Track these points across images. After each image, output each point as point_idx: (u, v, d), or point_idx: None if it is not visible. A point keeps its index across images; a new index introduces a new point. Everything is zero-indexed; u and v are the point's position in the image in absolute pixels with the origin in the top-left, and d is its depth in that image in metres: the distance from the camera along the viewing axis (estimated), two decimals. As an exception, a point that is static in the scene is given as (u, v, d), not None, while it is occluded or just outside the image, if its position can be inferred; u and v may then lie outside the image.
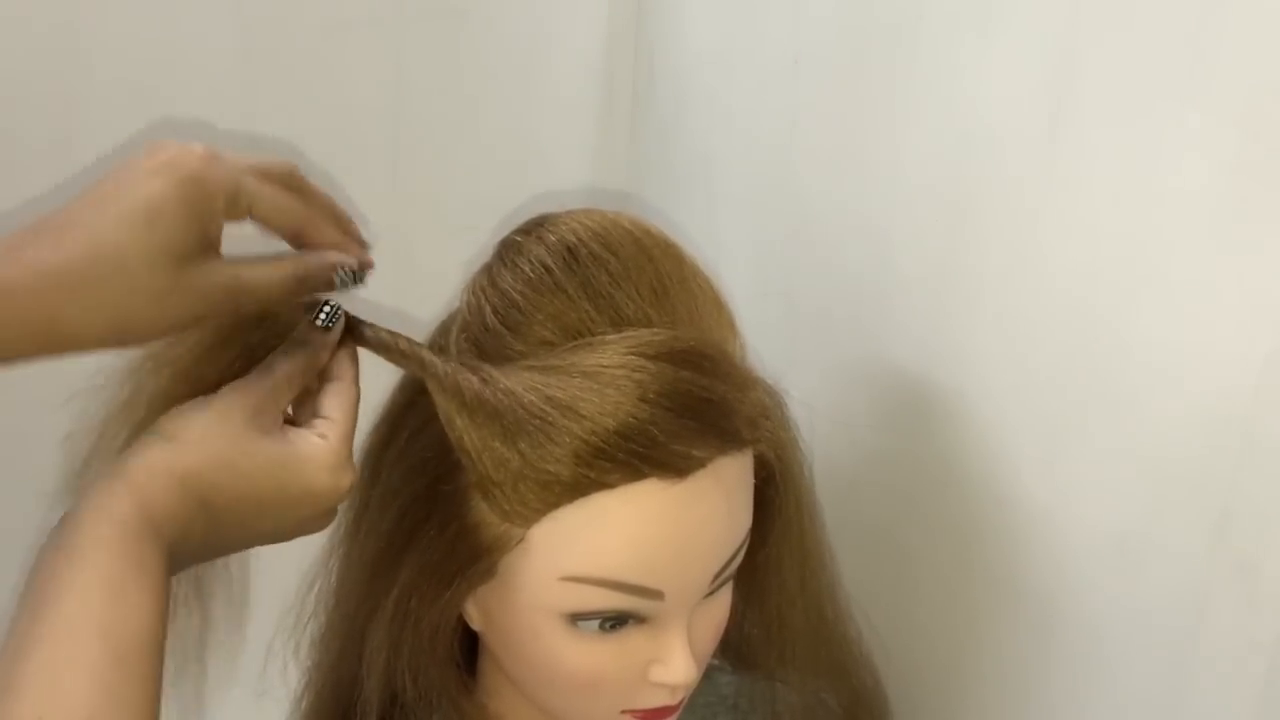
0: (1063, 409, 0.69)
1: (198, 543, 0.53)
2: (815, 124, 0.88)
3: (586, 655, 0.60)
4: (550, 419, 0.56)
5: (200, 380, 0.57)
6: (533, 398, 0.56)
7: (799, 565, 0.69)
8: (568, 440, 0.56)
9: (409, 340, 0.60)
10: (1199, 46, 0.59)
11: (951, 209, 0.75)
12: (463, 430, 0.58)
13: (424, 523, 0.60)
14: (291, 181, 0.57)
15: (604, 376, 0.56)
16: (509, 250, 0.62)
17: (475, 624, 0.64)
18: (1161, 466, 0.63)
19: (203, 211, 0.51)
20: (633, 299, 0.59)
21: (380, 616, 0.62)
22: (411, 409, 0.62)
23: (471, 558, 0.60)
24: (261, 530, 0.55)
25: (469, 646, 0.68)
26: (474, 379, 0.57)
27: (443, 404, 0.58)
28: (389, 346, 0.60)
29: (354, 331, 0.61)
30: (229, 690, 0.71)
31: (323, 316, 0.59)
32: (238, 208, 0.53)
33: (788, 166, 0.91)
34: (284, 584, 0.70)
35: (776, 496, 0.65)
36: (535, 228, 0.62)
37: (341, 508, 0.63)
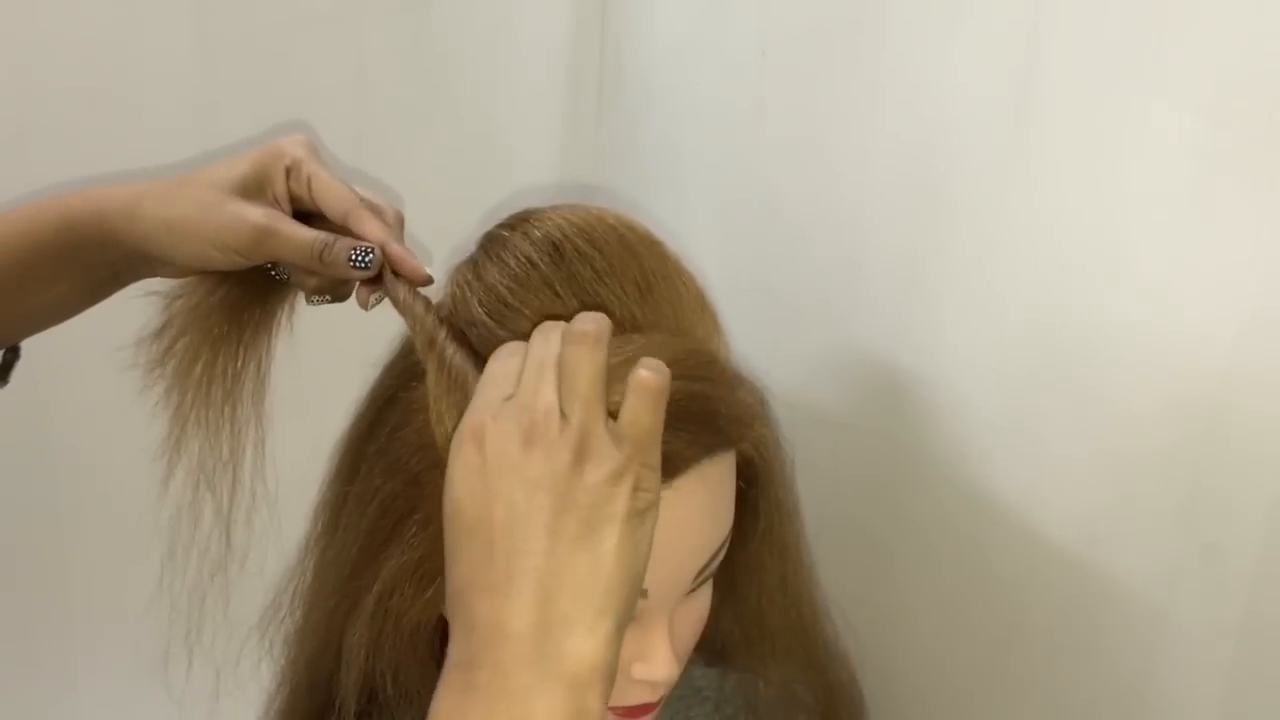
0: (1031, 396, 0.69)
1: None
2: (783, 114, 0.88)
3: None
4: None
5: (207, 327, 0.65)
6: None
7: (779, 564, 0.69)
8: None
9: (431, 310, 0.60)
10: (1163, 35, 0.59)
11: (919, 198, 0.75)
12: (450, 423, 0.57)
13: (405, 520, 0.60)
14: (367, 200, 0.65)
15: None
16: (493, 244, 0.62)
17: None
18: (1129, 453, 0.64)
19: (268, 166, 0.63)
20: (618, 296, 0.59)
21: (360, 614, 0.61)
22: (393, 405, 0.62)
23: None
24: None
25: (446, 642, 0.68)
26: (471, 368, 0.57)
27: (435, 389, 0.57)
28: (409, 308, 0.60)
29: (382, 280, 0.63)
30: (205, 685, 0.71)
31: (356, 254, 0.62)
32: (299, 180, 0.64)
33: (755, 157, 0.91)
34: (264, 580, 0.70)
35: (759, 496, 0.65)
36: (520, 222, 0.62)
37: (319, 507, 0.63)
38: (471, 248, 0.64)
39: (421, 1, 1.07)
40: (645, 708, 0.63)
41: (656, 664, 0.61)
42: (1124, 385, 0.64)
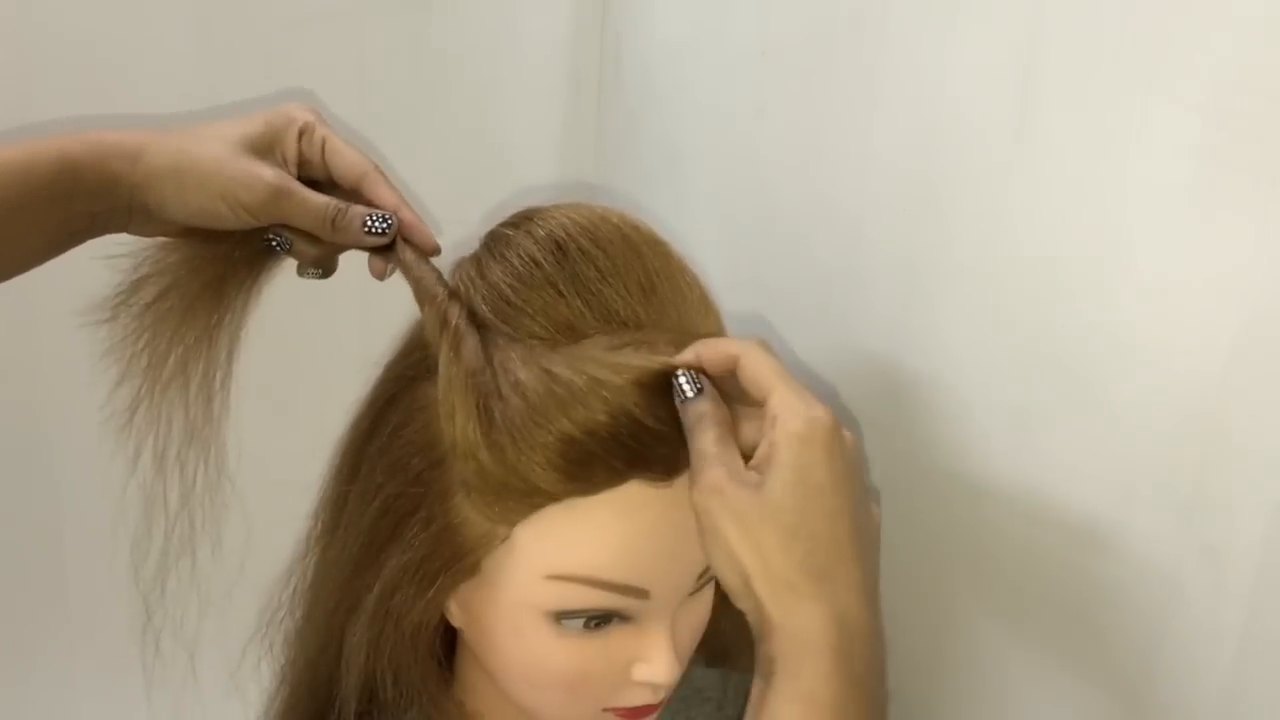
0: (1032, 396, 0.69)
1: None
2: (783, 114, 0.87)
3: (570, 654, 0.60)
4: (541, 416, 0.56)
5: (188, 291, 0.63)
6: (518, 397, 0.56)
7: None
8: (556, 440, 0.55)
9: (444, 284, 0.60)
10: (1164, 36, 0.59)
11: (919, 198, 0.75)
12: (456, 419, 0.57)
13: (407, 519, 0.60)
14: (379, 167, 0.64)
15: (593, 378, 0.56)
16: (497, 243, 0.62)
17: (456, 621, 0.64)
18: (1130, 452, 0.64)
19: (279, 128, 0.62)
20: (622, 295, 0.59)
21: (361, 614, 0.61)
22: (394, 404, 0.62)
23: (455, 556, 0.59)
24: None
25: (448, 643, 0.68)
26: (477, 361, 0.57)
27: (447, 376, 0.57)
28: (421, 279, 0.60)
29: (396, 250, 0.62)
30: (206, 685, 0.71)
31: (374, 220, 0.62)
32: (312, 142, 0.63)
33: (756, 157, 0.91)
34: (262, 580, 0.70)
35: None
36: (524, 221, 0.62)
37: (320, 506, 0.63)
38: (474, 246, 0.64)
39: (421, 1, 1.07)
40: (646, 709, 0.64)
41: (658, 666, 0.61)
42: (1124, 385, 0.63)
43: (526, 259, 0.60)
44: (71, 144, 0.60)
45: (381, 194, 0.63)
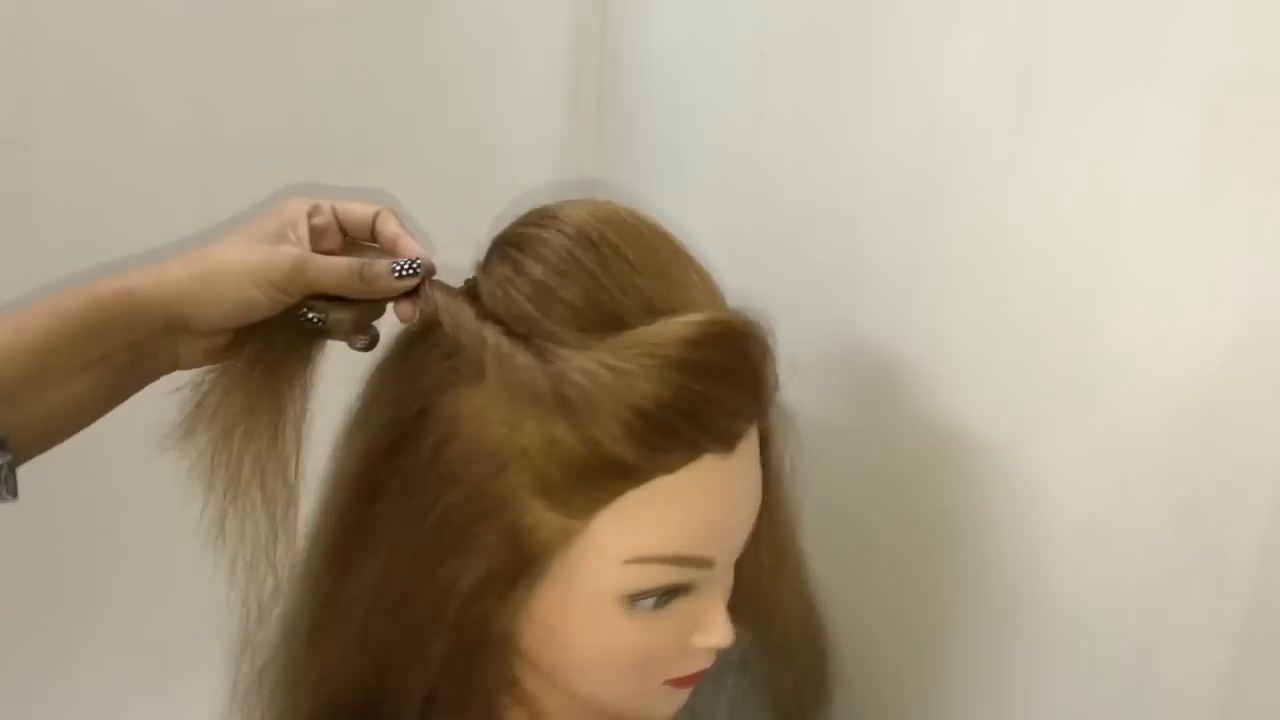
0: (1030, 396, 0.69)
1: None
2: (782, 115, 0.88)
3: (640, 634, 0.61)
4: (612, 402, 0.56)
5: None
6: (591, 381, 0.57)
7: (784, 526, 0.71)
8: (636, 417, 0.57)
9: (474, 305, 0.61)
10: (1161, 36, 0.59)
11: (918, 198, 0.75)
12: (522, 421, 0.58)
13: (470, 530, 0.60)
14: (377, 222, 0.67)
15: (652, 359, 0.57)
16: (528, 242, 0.62)
17: None
18: (1128, 452, 0.64)
19: (283, 216, 0.65)
20: (652, 284, 0.61)
21: (438, 625, 0.62)
22: (429, 415, 0.61)
23: (531, 559, 0.60)
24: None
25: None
26: (534, 361, 0.58)
27: (498, 388, 0.58)
28: (453, 311, 0.61)
29: (423, 293, 0.64)
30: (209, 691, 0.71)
31: (403, 265, 0.63)
32: (321, 209, 0.66)
33: (755, 158, 0.91)
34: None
35: (771, 459, 0.67)
36: (548, 219, 0.63)
37: (338, 534, 0.63)
38: (486, 252, 0.65)
39: (421, 3, 1.07)
40: (698, 675, 0.66)
41: (722, 630, 0.63)
42: (1124, 385, 0.63)
43: (565, 254, 0.61)
44: (96, 286, 0.62)
45: (401, 239, 0.66)
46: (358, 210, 0.67)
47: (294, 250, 0.63)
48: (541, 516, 0.59)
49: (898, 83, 0.76)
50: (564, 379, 0.57)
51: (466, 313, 0.61)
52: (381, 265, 0.64)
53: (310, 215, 0.65)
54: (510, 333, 0.60)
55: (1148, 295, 0.62)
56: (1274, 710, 0.59)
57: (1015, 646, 0.73)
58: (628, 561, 0.59)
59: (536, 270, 0.61)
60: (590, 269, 0.60)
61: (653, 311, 0.60)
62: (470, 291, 0.64)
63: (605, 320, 0.59)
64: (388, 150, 1.09)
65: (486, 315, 0.61)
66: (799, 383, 0.84)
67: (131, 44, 0.97)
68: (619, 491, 0.58)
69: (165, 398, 0.66)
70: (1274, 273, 0.56)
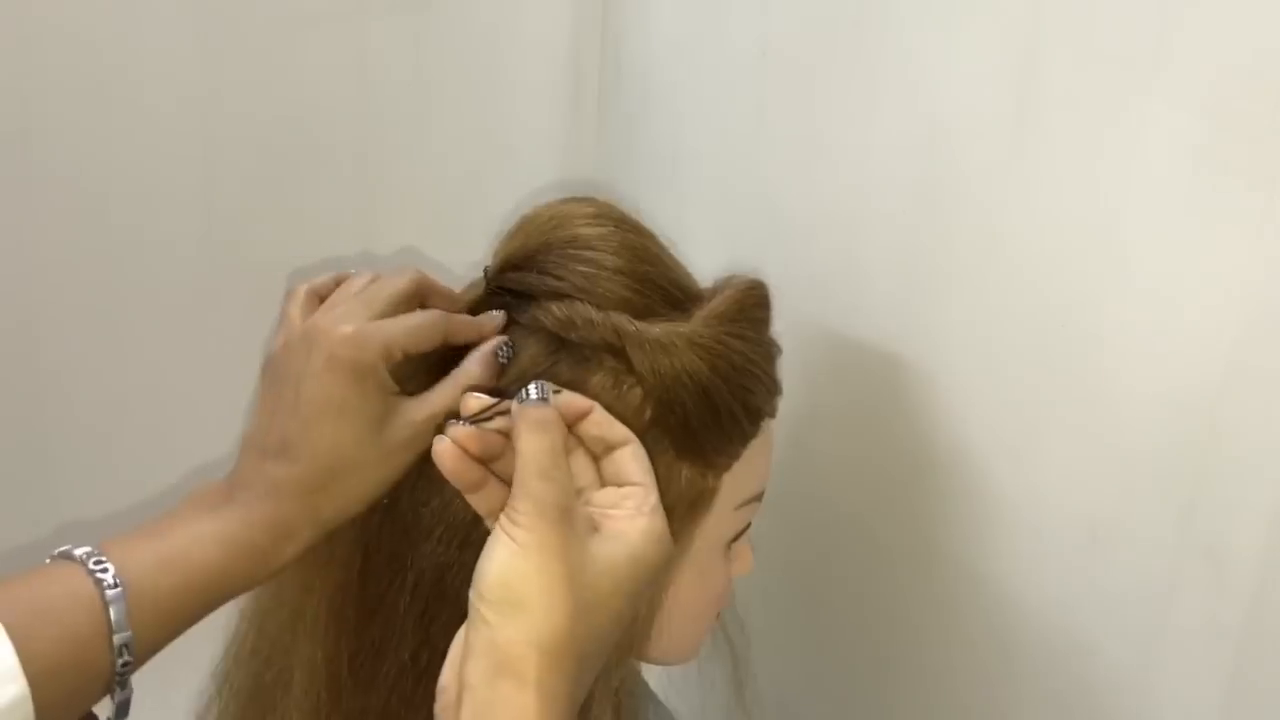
0: (1031, 397, 0.69)
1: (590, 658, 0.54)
2: (783, 115, 0.88)
3: (726, 574, 0.66)
4: (745, 360, 0.62)
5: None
6: (726, 347, 0.61)
7: None
8: (765, 378, 0.64)
9: (620, 329, 0.61)
10: (1164, 36, 0.59)
11: (920, 199, 0.75)
12: (681, 398, 0.60)
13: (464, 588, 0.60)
14: (419, 291, 0.63)
15: (747, 321, 0.63)
16: (586, 240, 0.63)
17: None
18: (1129, 454, 0.64)
19: (374, 383, 0.59)
20: (674, 272, 0.65)
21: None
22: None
23: (695, 514, 0.62)
24: (624, 612, 0.55)
25: None
26: (672, 332, 0.61)
27: (667, 377, 0.60)
28: (580, 316, 0.61)
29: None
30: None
31: (502, 350, 0.62)
32: (393, 359, 0.59)
33: (756, 157, 0.91)
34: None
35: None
36: (588, 219, 0.64)
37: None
38: (513, 266, 0.64)
39: (421, 2, 1.07)
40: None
41: (750, 560, 0.69)
42: (1124, 385, 0.63)
43: (627, 248, 0.63)
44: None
45: (462, 334, 0.62)
46: (429, 341, 0.61)
47: (419, 413, 0.60)
48: (691, 476, 0.62)
49: (899, 82, 0.76)
50: (713, 349, 0.61)
51: (583, 309, 0.61)
52: (488, 352, 0.62)
53: (389, 364, 0.60)
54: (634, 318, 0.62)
55: (1149, 296, 0.62)
56: (1274, 710, 0.59)
57: (1015, 647, 0.73)
58: (737, 507, 0.64)
59: (614, 261, 0.62)
60: (654, 259, 0.64)
61: (690, 296, 0.64)
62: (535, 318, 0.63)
63: (675, 306, 0.63)
64: (388, 151, 1.09)
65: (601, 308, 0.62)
66: (798, 382, 0.84)
67: (132, 44, 0.97)
68: (749, 440, 0.64)
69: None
70: (1274, 273, 0.56)
